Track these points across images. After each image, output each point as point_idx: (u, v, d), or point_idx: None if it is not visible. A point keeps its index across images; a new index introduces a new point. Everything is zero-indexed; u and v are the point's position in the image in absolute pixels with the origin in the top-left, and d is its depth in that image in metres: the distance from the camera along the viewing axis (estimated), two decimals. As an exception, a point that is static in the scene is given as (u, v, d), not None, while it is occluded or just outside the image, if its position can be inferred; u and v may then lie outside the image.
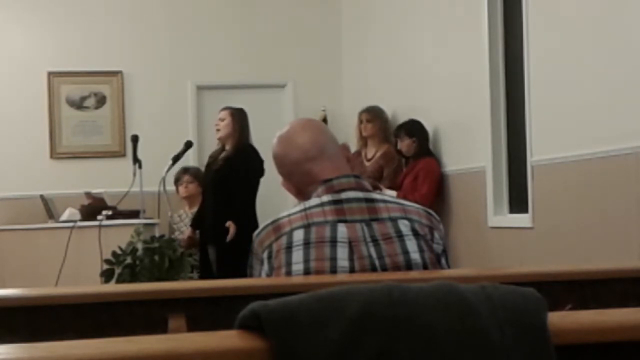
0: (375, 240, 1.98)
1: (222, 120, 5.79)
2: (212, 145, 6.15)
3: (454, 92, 5.76)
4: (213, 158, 5.88)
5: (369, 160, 6.36)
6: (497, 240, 5.24)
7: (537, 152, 4.69)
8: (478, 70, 5.36)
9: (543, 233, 4.65)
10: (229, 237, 5.39)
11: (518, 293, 1.11)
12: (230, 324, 1.06)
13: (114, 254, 4.59)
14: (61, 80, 7.52)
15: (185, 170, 6.78)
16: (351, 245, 1.96)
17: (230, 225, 5.42)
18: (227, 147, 5.76)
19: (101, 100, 7.61)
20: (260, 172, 5.65)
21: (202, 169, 6.35)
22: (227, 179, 5.58)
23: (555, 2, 4.54)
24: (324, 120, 7.19)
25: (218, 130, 5.81)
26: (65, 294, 1.85)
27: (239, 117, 5.79)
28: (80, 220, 5.83)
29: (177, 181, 6.78)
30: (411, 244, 1.99)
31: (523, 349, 1.05)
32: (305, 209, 2.02)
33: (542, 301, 1.10)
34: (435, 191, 5.84)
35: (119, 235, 5.05)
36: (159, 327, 1.71)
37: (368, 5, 7.37)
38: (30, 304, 1.77)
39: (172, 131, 7.35)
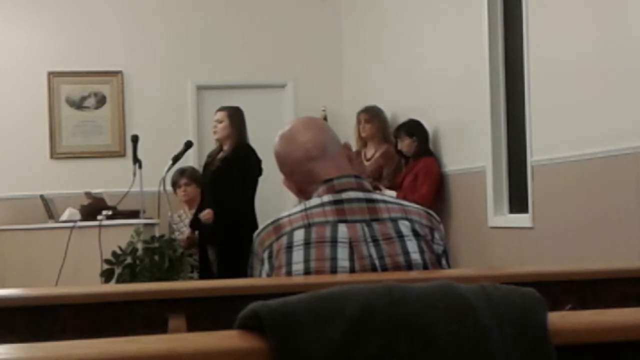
0: (375, 241, 1.97)
1: (219, 122, 5.78)
2: (212, 145, 6.14)
3: (454, 92, 5.76)
4: (211, 158, 5.88)
5: (368, 160, 6.35)
6: (497, 240, 5.23)
7: (537, 152, 4.69)
8: (478, 70, 5.36)
9: (543, 233, 4.64)
10: (204, 219, 5.56)
11: (518, 293, 1.11)
12: (230, 324, 1.06)
13: (114, 254, 4.59)
14: (61, 80, 7.52)
15: (182, 173, 6.55)
16: (351, 245, 1.96)
17: (207, 213, 5.56)
18: (225, 148, 5.76)
19: (101, 100, 7.60)
20: (258, 171, 5.65)
21: (201, 169, 6.34)
22: (225, 179, 5.58)
23: (555, 2, 4.54)
24: (324, 120, 7.19)
25: (215, 132, 5.81)
26: (65, 294, 1.84)
27: (236, 118, 5.78)
28: (80, 220, 5.82)
29: (174, 185, 6.56)
30: (411, 245, 1.99)
31: (523, 349, 1.05)
32: (305, 209, 2.02)
33: (542, 301, 1.10)
34: (435, 191, 5.83)
35: (119, 235, 5.05)
36: (159, 327, 1.70)
37: (368, 5, 7.37)
38: (30, 304, 1.77)
39: (172, 131, 7.34)
